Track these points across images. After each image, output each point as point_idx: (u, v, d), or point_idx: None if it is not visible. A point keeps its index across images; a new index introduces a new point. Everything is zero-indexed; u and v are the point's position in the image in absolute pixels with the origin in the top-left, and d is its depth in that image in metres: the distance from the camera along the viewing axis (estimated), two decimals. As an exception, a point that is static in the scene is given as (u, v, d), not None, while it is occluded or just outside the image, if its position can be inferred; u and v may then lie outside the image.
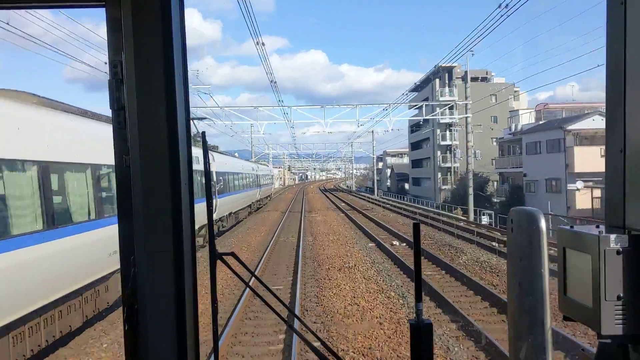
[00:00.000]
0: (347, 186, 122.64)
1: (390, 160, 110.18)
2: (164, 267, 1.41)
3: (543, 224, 1.06)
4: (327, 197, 67.47)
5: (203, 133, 1.71)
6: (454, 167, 65.52)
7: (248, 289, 2.84)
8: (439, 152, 68.96)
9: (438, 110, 69.19)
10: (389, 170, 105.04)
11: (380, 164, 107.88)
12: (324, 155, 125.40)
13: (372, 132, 68.76)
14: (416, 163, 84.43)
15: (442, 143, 68.45)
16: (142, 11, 1.38)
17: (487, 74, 69.63)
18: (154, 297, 1.41)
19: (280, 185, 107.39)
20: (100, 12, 1.43)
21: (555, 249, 1.32)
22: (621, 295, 1.13)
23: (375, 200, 58.38)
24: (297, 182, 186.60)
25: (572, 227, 1.25)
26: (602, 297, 1.13)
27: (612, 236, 1.14)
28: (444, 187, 67.59)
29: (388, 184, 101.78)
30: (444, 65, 58.56)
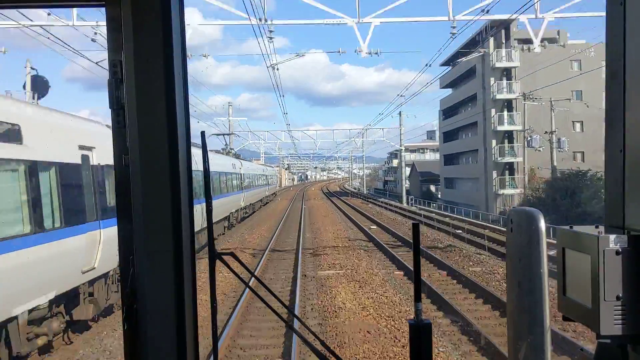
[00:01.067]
0: (355, 188, 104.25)
1: (408, 156, 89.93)
2: (164, 267, 1.41)
3: (542, 224, 1.06)
4: (337, 206, 46.74)
5: (202, 133, 1.69)
6: (518, 162, 45.12)
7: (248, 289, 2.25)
8: (493, 142, 48.69)
9: (493, 80, 49.30)
10: (408, 169, 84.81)
11: (394, 162, 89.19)
12: (326, 149, 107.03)
13: (400, 113, 48.50)
14: (450, 159, 64.38)
15: (499, 129, 48.17)
16: (142, 11, 1.37)
17: (558, 33, 48.65)
18: (154, 297, 1.41)
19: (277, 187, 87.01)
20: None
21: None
22: (620, 295, 1.12)
23: (414, 213, 37.67)
24: (296, 182, 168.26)
25: (571, 227, 1.24)
26: (601, 297, 1.12)
27: (612, 236, 1.13)
28: (501, 191, 47.37)
29: (407, 185, 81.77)
30: (499, 18, 38.11)
